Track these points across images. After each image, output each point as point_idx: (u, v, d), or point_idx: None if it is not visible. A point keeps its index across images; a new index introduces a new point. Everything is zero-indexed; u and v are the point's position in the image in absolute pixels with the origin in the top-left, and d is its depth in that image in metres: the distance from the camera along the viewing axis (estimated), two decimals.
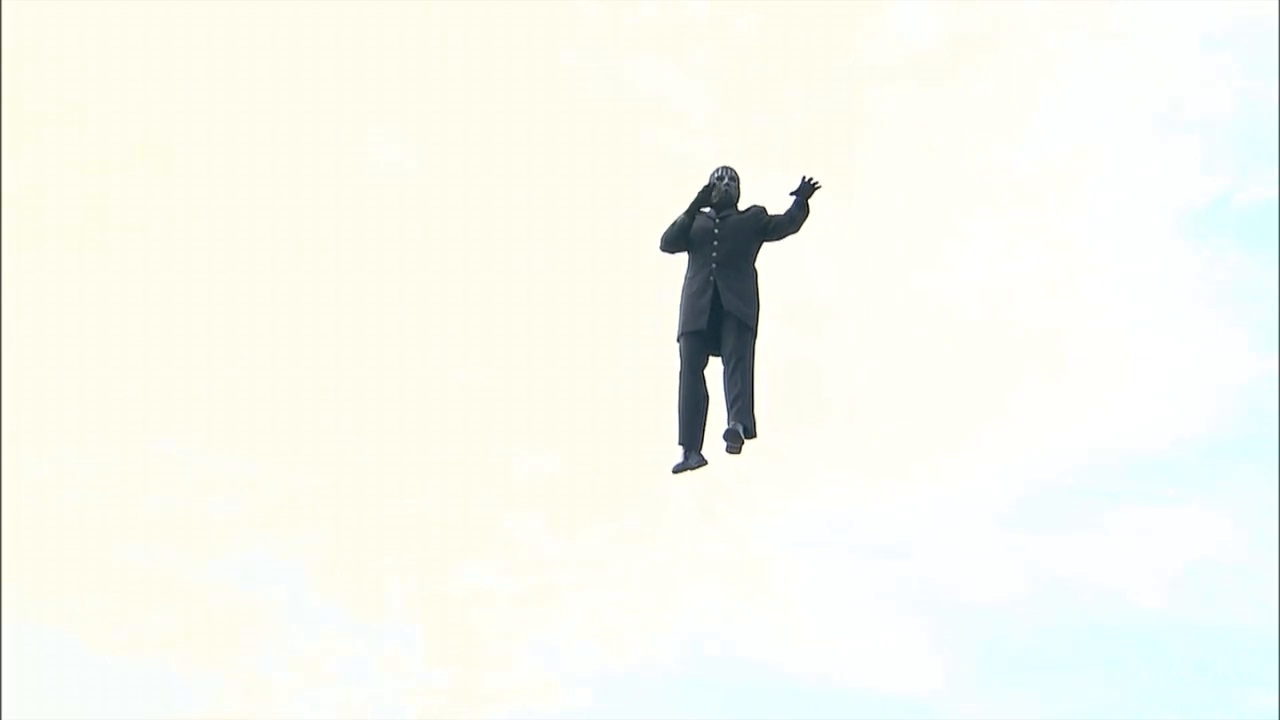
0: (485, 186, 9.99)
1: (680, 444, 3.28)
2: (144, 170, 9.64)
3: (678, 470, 3.40)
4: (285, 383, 9.43)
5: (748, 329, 3.19)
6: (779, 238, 3.28)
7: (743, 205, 3.39)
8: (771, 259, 3.63)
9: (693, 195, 3.26)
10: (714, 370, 3.31)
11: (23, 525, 7.98)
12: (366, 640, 8.76)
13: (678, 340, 3.33)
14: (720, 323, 3.20)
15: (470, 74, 9.93)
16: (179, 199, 9.70)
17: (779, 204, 3.27)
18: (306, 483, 9.23)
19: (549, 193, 9.81)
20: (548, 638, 9.01)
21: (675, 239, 3.40)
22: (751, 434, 3.13)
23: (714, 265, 3.19)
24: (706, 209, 3.30)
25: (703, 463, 3.28)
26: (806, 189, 3.10)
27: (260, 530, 9.03)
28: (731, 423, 3.05)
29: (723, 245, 3.23)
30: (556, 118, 9.87)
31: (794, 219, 3.21)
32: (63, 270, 9.18)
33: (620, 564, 9.26)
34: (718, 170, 3.40)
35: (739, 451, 3.08)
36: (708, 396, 3.27)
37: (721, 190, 3.30)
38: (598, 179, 9.53)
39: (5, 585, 7.48)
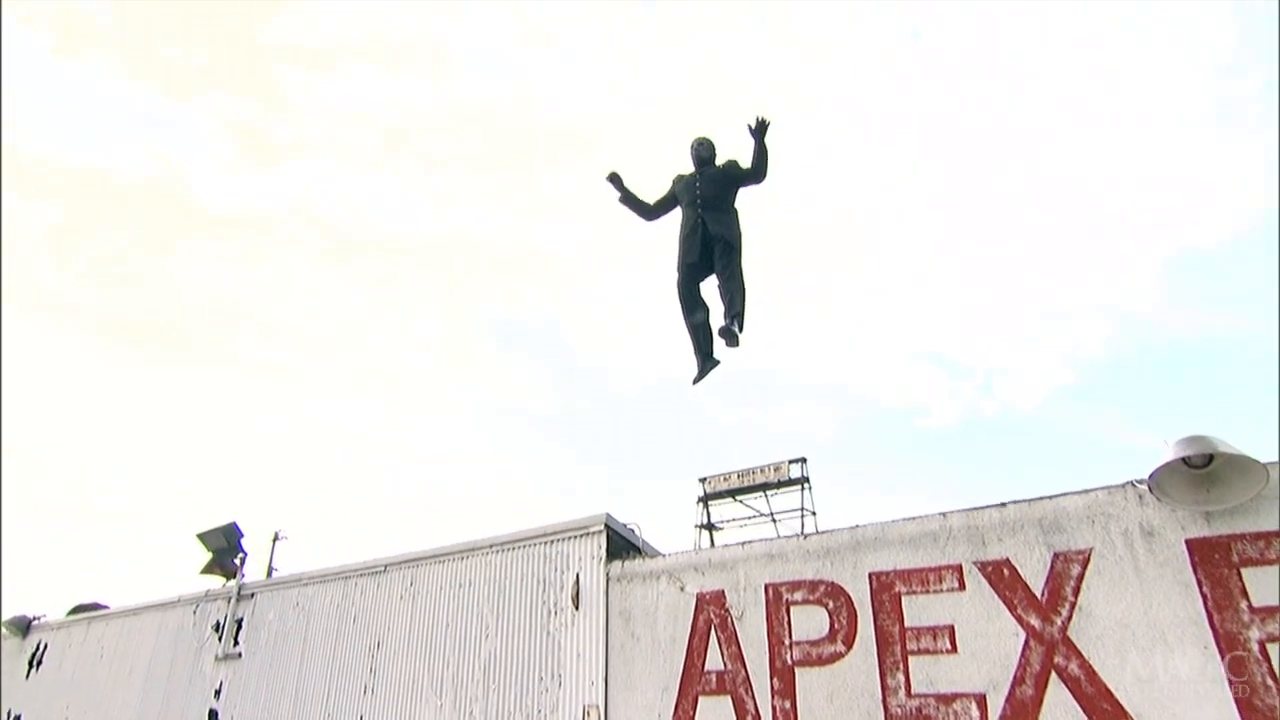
0: None
1: (695, 355, 4.01)
2: None
3: (698, 380, 3.99)
4: None
5: (732, 247, 3.89)
6: (756, 182, 3.96)
7: (720, 162, 4.18)
8: None
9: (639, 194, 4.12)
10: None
11: None
12: None
13: (678, 271, 3.97)
14: (710, 251, 3.93)
15: None
16: None
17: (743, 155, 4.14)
18: None
19: None
20: None
21: (650, 210, 4.17)
22: (740, 330, 3.74)
23: (699, 207, 3.97)
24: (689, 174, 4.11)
25: (716, 363, 3.94)
26: (760, 128, 3.73)
27: None
28: (727, 322, 3.71)
29: (705, 191, 4.01)
30: None
31: (758, 168, 3.87)
32: None
33: None
34: (695, 141, 4.20)
35: (737, 344, 3.77)
36: (707, 309, 4.04)
37: (694, 151, 4.11)
38: None
39: None
